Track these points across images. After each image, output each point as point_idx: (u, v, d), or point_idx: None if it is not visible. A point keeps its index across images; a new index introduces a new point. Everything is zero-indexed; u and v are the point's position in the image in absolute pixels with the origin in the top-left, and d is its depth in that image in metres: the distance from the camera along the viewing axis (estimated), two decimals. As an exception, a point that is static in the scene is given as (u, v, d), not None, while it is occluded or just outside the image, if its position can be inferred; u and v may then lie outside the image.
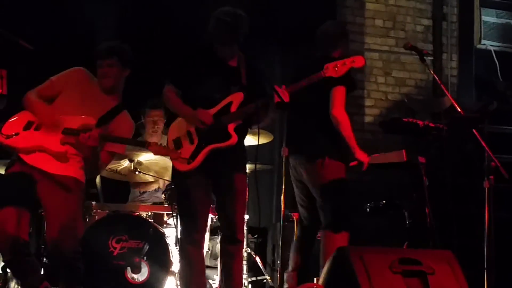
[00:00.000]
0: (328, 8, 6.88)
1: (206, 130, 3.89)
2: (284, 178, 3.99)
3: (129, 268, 4.62)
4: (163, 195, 5.20)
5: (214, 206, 4.22)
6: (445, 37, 7.38)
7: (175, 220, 4.95)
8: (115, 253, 4.63)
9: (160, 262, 4.66)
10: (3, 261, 4.32)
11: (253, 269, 5.34)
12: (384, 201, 5.12)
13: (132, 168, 5.09)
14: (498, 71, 7.32)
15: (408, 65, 7.21)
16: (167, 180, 5.28)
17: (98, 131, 3.77)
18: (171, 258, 4.73)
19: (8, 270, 4.70)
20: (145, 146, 3.91)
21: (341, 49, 4.54)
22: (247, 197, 4.15)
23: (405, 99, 7.09)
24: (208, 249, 5.07)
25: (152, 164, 5.13)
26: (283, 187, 3.92)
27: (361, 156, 4.37)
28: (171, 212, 5.06)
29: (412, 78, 7.24)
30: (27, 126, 3.86)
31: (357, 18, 7.13)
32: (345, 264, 3.40)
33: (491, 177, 4.17)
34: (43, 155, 3.82)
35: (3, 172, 4.48)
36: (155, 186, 5.56)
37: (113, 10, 5.95)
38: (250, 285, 5.16)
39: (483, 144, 4.13)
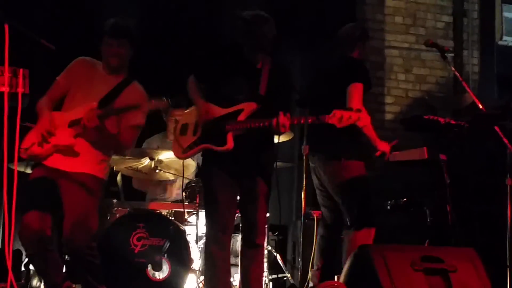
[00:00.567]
0: (348, 6, 6.87)
1: (207, 128, 3.92)
2: (304, 175, 3.98)
3: (150, 266, 4.64)
4: (183, 193, 5.23)
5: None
6: (466, 34, 7.33)
7: (195, 218, 4.99)
8: (136, 251, 4.65)
9: (181, 260, 4.67)
10: (27, 255, 4.37)
11: (274, 267, 5.34)
12: (405, 199, 5.10)
13: (152, 166, 5.11)
14: (520, 67, 7.27)
15: (428, 62, 7.16)
16: (187, 178, 5.30)
17: (96, 111, 3.76)
18: (192, 256, 4.74)
19: (31, 266, 4.75)
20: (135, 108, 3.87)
21: (359, 50, 4.58)
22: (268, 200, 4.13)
23: (425, 96, 7.05)
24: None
25: (173, 162, 5.15)
26: (304, 184, 3.91)
27: (383, 146, 4.40)
28: (191, 210, 5.09)
29: (432, 75, 7.20)
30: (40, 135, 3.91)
31: (377, 15, 7.10)
32: (367, 262, 3.39)
33: (513, 174, 4.14)
34: (60, 156, 3.87)
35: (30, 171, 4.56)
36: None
37: (137, 10, 5.99)
38: (270, 283, 5.16)
39: (505, 141, 4.10)
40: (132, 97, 3.98)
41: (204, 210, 4.24)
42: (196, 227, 4.99)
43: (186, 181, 5.35)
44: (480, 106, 4.15)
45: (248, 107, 3.90)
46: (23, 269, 4.76)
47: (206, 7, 6.37)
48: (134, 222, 4.73)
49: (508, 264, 4.15)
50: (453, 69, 4.56)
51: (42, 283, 4.85)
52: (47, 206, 3.83)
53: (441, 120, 4.50)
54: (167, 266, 4.65)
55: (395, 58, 7.11)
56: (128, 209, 4.94)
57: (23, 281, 4.64)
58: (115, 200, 4.98)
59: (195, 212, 4.99)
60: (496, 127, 4.16)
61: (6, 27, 3.03)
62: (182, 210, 5.12)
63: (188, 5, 6.36)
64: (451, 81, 7.18)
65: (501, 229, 4.29)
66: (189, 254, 4.72)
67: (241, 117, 3.89)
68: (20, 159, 4.80)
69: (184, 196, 5.17)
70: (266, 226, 4.15)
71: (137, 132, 4.07)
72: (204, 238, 5.05)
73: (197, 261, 4.87)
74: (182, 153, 4.07)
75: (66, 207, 3.84)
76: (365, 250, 3.52)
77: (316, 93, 4.53)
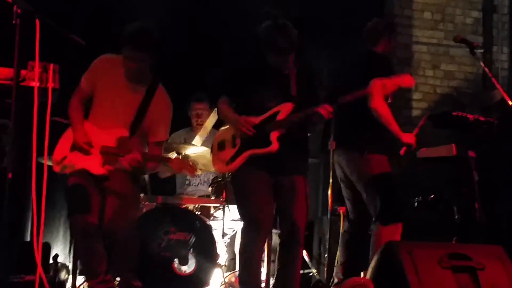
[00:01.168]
0: (376, 1, 6.83)
1: (248, 136, 3.92)
2: (331, 171, 3.97)
3: (176, 260, 4.66)
4: (209, 188, 5.24)
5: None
6: (496, 30, 7.26)
7: (222, 213, 5.01)
8: (162, 245, 4.67)
9: (207, 254, 4.69)
10: (74, 241, 4.43)
11: (300, 263, 5.33)
12: (432, 196, 5.07)
13: (179, 161, 5.13)
14: (550, 63, 7.17)
15: (457, 58, 7.11)
16: (214, 173, 5.32)
17: (140, 155, 3.83)
18: (218, 251, 4.76)
19: (59, 259, 4.80)
20: (167, 162, 3.97)
21: (384, 44, 4.56)
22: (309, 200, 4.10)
23: (454, 92, 6.99)
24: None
25: (199, 157, 5.17)
26: (331, 180, 3.91)
27: (407, 138, 4.36)
28: (217, 205, 5.10)
29: (461, 71, 7.14)
30: (73, 147, 3.95)
31: (405, 10, 7.06)
32: (393, 259, 3.37)
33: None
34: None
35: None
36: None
37: (165, 10, 6.02)
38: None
39: (535, 138, 4.05)
40: (159, 111, 4.03)
41: (235, 203, 4.25)
42: (222, 222, 5.00)
43: (212, 176, 5.37)
44: (510, 103, 4.10)
45: (284, 108, 3.92)
46: (51, 262, 4.81)
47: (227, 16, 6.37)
48: (161, 216, 4.75)
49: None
50: (482, 65, 4.51)
51: (70, 276, 4.91)
52: (91, 207, 3.87)
53: (470, 116, 4.46)
54: (193, 260, 4.66)
55: (423, 54, 7.06)
56: (155, 203, 4.97)
57: (51, 273, 4.69)
58: (142, 195, 5.01)
59: (222, 207, 5.01)
60: (525, 124, 4.12)
61: (37, 22, 3.06)
62: (209, 205, 5.14)
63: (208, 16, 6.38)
64: (480, 77, 7.11)
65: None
66: (215, 249, 4.73)
67: (280, 117, 3.91)
68: (49, 153, 4.87)
69: (210, 191, 5.19)
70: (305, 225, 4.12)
71: (162, 148, 4.13)
72: (230, 233, 5.08)
73: (223, 256, 4.88)
74: (226, 166, 4.05)
75: (108, 195, 3.91)
76: (392, 246, 3.50)
77: (341, 89, 4.51)
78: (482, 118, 4.48)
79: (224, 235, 5.01)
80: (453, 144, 4.47)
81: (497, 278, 3.34)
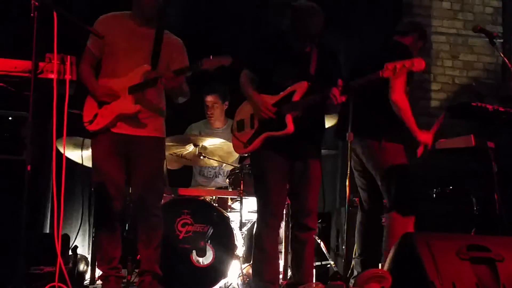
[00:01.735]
0: (394, -8, 6.79)
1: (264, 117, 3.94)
2: (349, 163, 3.96)
3: (194, 252, 4.69)
4: (227, 180, 5.25)
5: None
6: (515, 19, 7.17)
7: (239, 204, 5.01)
8: (180, 237, 4.70)
9: (225, 246, 4.71)
10: (94, 225, 4.55)
11: (317, 254, 5.32)
12: (451, 187, 5.03)
13: (197, 153, 5.15)
14: None
15: (476, 48, 7.03)
16: (231, 165, 5.33)
17: (171, 74, 3.86)
18: (236, 242, 4.77)
19: (78, 251, 4.84)
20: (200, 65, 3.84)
21: (412, 40, 4.53)
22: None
23: (473, 83, 6.93)
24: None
25: (217, 149, 5.18)
26: (348, 172, 3.89)
27: (423, 137, 4.31)
28: (235, 197, 5.11)
29: (480, 62, 7.06)
30: (100, 104, 3.98)
31: (423, 0, 7.00)
32: (411, 250, 3.35)
33: None
34: (123, 122, 3.96)
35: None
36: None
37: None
38: (314, 270, 5.15)
39: (556, 128, 4.01)
40: (174, 48, 4.10)
41: (252, 195, 4.27)
42: (239, 213, 5.01)
43: (230, 167, 5.38)
44: (529, 93, 4.06)
45: (300, 87, 3.92)
46: (70, 253, 4.85)
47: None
48: (178, 208, 4.78)
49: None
50: (501, 55, 4.48)
51: (89, 268, 4.95)
52: (120, 177, 4.00)
53: (489, 107, 4.41)
54: (211, 252, 4.68)
55: (442, 44, 7.00)
56: (172, 195, 4.99)
57: (70, 265, 4.73)
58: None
59: (239, 199, 5.01)
60: (546, 114, 4.07)
61: (55, 14, 3.08)
62: (226, 196, 5.15)
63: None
64: (499, 67, 7.04)
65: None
66: (233, 240, 4.75)
67: (296, 97, 3.92)
68: (71, 146, 4.91)
69: (228, 182, 5.20)
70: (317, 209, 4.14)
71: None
72: (248, 224, 5.09)
73: (240, 247, 4.90)
74: (244, 148, 4.09)
75: (136, 169, 4.00)
76: (410, 238, 3.47)
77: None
78: (501, 109, 4.43)
79: (241, 226, 5.02)
80: (472, 135, 4.43)
81: (516, 269, 3.31)
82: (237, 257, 4.81)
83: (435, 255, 3.27)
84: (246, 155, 4.79)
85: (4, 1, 5.34)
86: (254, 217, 5.03)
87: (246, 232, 5.10)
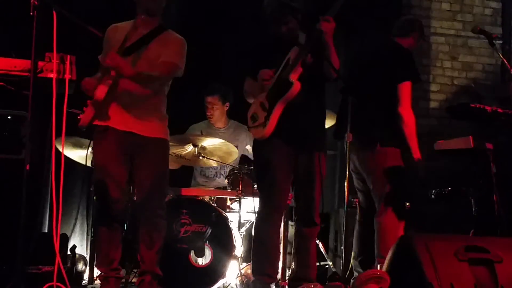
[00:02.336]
0: (394, -8, 6.79)
1: (273, 91, 3.94)
2: (348, 163, 3.96)
3: (193, 252, 4.69)
4: (226, 180, 5.25)
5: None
6: (515, 20, 7.18)
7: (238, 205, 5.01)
8: (179, 237, 4.70)
9: (223, 246, 4.71)
10: (94, 225, 4.51)
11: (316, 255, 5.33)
12: (449, 188, 5.03)
13: (196, 153, 5.15)
14: None
15: (475, 49, 7.04)
16: (230, 165, 5.33)
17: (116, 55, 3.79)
18: (234, 242, 4.77)
19: (76, 251, 4.84)
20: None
21: (412, 40, 4.62)
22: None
23: (472, 84, 6.93)
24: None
25: (216, 149, 5.18)
26: (347, 172, 3.89)
27: (418, 155, 4.32)
28: (234, 197, 5.11)
29: (479, 63, 7.06)
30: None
31: (423, 1, 7.00)
32: (410, 251, 3.35)
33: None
34: (130, 119, 3.93)
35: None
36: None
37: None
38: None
39: (555, 130, 4.01)
40: (169, 41, 4.03)
41: (251, 196, 4.25)
42: (238, 214, 5.01)
43: (229, 168, 5.38)
44: (529, 94, 4.07)
45: (292, 53, 3.97)
46: (69, 253, 4.85)
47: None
48: (177, 208, 4.77)
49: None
50: (501, 56, 4.48)
51: (88, 268, 4.95)
52: (123, 177, 3.96)
53: (488, 108, 4.41)
54: (210, 252, 4.68)
55: (441, 45, 7.00)
56: (171, 195, 4.99)
57: (69, 265, 4.73)
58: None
59: (238, 199, 5.01)
60: (545, 116, 4.07)
61: (54, 14, 3.08)
62: (225, 197, 5.15)
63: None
64: (499, 68, 7.04)
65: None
66: (232, 240, 4.75)
67: (291, 60, 3.95)
68: (70, 146, 4.91)
69: (227, 182, 5.20)
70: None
71: (169, 68, 4.01)
72: (246, 225, 5.09)
73: (239, 247, 4.90)
74: (264, 128, 3.96)
75: (142, 170, 3.97)
76: (408, 239, 3.48)
77: (362, 80, 4.47)
78: (500, 110, 4.43)
79: (240, 226, 5.02)
80: (471, 136, 4.44)
81: (514, 271, 3.31)
82: (236, 257, 4.80)
83: (434, 256, 3.27)
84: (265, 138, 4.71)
85: (4, 1, 5.34)
86: (252, 217, 5.03)
87: (244, 233, 5.10)
